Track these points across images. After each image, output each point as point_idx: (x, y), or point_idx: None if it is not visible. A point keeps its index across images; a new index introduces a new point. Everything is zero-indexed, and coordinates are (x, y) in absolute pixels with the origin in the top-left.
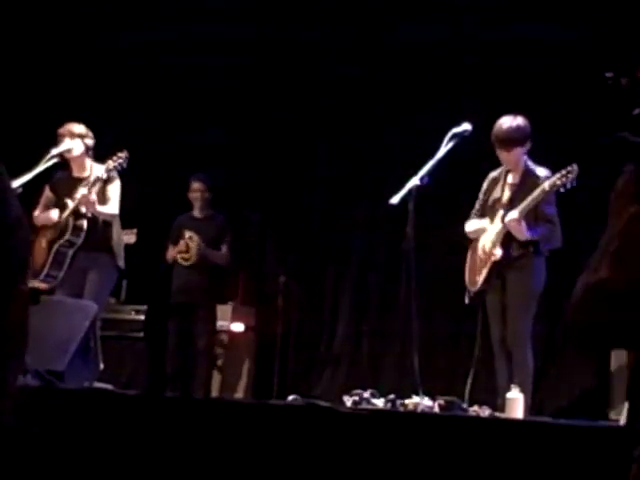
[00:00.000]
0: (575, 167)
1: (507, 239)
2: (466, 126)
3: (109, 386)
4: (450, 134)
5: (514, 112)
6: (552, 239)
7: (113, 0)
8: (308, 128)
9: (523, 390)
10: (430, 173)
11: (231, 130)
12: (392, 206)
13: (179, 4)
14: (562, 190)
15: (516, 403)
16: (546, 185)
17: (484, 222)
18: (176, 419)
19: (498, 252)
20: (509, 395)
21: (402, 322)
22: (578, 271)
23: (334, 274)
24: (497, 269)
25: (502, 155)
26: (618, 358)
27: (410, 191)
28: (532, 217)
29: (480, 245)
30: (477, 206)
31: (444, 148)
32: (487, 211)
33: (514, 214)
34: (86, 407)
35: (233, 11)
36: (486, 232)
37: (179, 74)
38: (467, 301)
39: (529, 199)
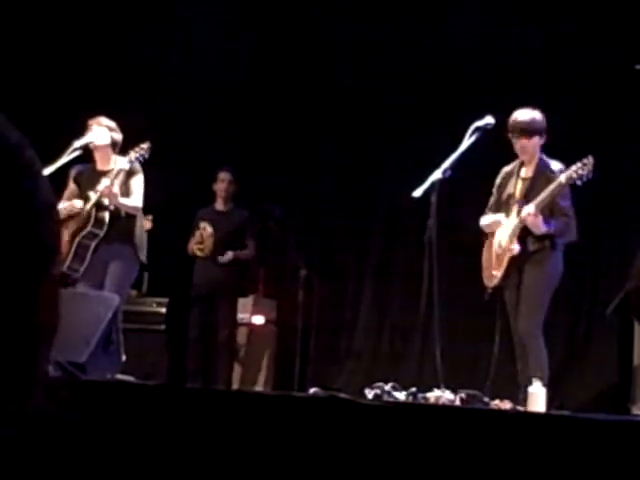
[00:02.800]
0: (591, 159)
1: (523, 234)
2: (489, 119)
3: (131, 378)
4: (473, 127)
5: (531, 106)
6: (568, 232)
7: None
8: (328, 120)
9: (543, 379)
10: (453, 166)
11: (253, 125)
12: (414, 199)
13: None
14: (579, 183)
15: (538, 397)
16: (562, 178)
17: (499, 216)
18: (197, 411)
19: (515, 247)
20: (531, 389)
21: (424, 315)
22: (599, 265)
23: (355, 267)
24: (514, 264)
25: (521, 143)
26: None
27: (432, 184)
28: (548, 211)
29: (496, 241)
30: (491, 201)
31: (467, 141)
32: (501, 206)
33: (530, 208)
34: (108, 399)
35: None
36: (501, 227)
37: (202, 71)
38: (486, 297)
39: (545, 193)
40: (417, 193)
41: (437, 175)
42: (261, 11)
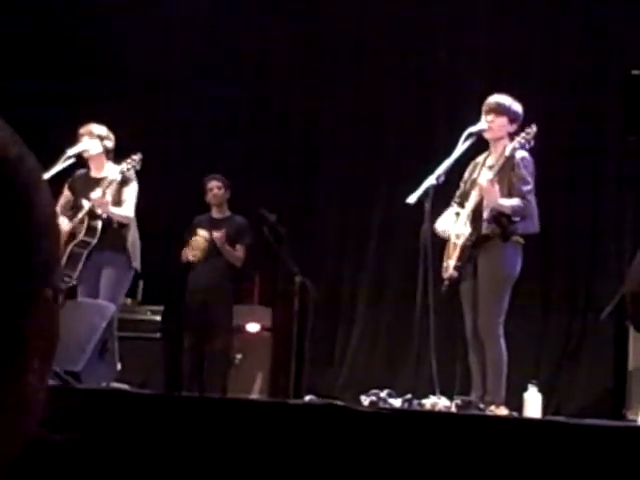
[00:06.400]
0: (533, 127)
1: (477, 214)
2: (482, 125)
3: (126, 386)
4: (466, 133)
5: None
6: (526, 217)
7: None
8: (323, 128)
9: (496, 386)
10: (446, 172)
11: (249, 131)
12: (409, 205)
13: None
14: (527, 147)
15: (534, 402)
16: (507, 150)
17: (448, 216)
18: (193, 419)
19: (466, 230)
20: (527, 395)
21: (419, 321)
22: (594, 270)
23: (351, 274)
24: (467, 251)
25: (487, 118)
26: (636, 359)
27: (427, 190)
28: (506, 194)
29: (453, 232)
30: (457, 194)
31: (460, 147)
32: (466, 195)
33: (488, 175)
34: (103, 407)
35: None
36: (458, 219)
37: (192, 77)
38: (443, 289)
39: (497, 166)
40: (411, 199)
41: (431, 181)
42: (260, 12)
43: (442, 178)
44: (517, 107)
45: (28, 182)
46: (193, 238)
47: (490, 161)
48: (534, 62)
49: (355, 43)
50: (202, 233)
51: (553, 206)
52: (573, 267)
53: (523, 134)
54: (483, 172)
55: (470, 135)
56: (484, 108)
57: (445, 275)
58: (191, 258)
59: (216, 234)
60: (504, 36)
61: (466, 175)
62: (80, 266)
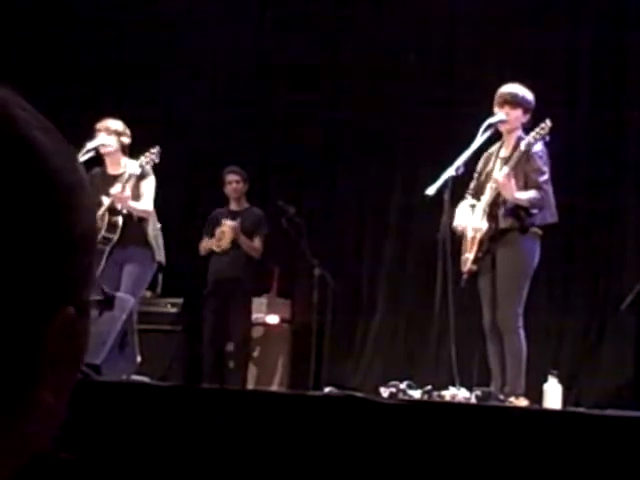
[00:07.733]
0: (548, 122)
1: (495, 209)
2: (501, 116)
3: (146, 379)
4: (485, 124)
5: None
6: (543, 208)
7: None
8: (341, 122)
9: (515, 377)
10: (465, 163)
11: (266, 123)
12: (428, 197)
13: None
14: (541, 141)
15: (554, 393)
16: (522, 145)
17: (464, 210)
18: (212, 411)
19: (484, 224)
20: (546, 386)
21: (439, 313)
22: (614, 261)
23: (370, 266)
24: (486, 245)
25: (503, 112)
26: None
27: (446, 182)
28: (522, 185)
29: (470, 225)
30: (471, 186)
31: (480, 138)
32: (481, 189)
33: (505, 169)
34: (123, 400)
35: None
36: (474, 210)
37: (212, 65)
38: (462, 284)
39: (513, 160)
40: (430, 191)
41: (450, 172)
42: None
43: (461, 169)
44: (529, 96)
45: (70, 193)
46: (219, 229)
47: (503, 152)
48: (554, 56)
49: (368, 41)
50: (228, 223)
51: (574, 199)
52: (594, 258)
53: (538, 129)
54: (498, 165)
55: (489, 126)
56: (497, 100)
57: (464, 269)
58: (215, 249)
59: (230, 223)
60: (520, 33)
61: (479, 167)
62: (103, 262)
